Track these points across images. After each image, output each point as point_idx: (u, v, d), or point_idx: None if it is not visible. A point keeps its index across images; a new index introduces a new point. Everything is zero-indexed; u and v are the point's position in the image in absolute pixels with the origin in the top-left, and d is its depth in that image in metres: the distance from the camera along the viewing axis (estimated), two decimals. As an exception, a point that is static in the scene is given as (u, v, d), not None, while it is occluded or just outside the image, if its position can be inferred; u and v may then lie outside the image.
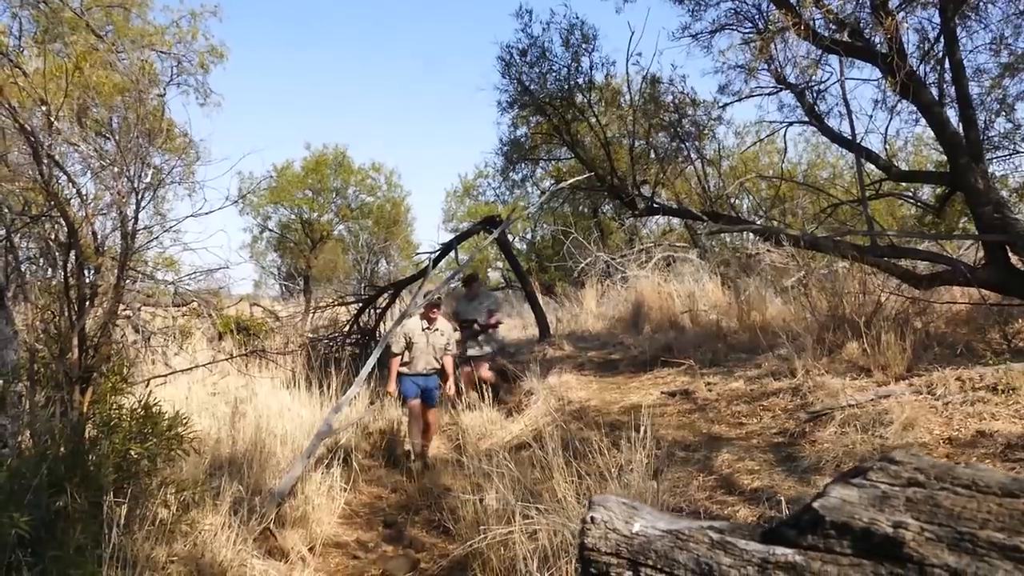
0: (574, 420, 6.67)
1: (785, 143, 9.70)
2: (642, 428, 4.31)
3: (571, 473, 4.49)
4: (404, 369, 7.66)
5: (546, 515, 3.88)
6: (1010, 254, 6.20)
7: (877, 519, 0.36)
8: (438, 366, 7.79)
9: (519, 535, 3.71)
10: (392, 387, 7.76)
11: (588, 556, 0.45)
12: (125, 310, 6.80)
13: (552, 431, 5.56)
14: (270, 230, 21.70)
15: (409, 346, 7.59)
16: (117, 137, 4.12)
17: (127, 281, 3.65)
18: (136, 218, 3.55)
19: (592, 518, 0.49)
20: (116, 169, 3.61)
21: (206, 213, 3.93)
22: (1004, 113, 7.61)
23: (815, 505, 0.40)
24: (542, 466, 4.75)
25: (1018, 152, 7.90)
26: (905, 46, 6.61)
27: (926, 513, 0.36)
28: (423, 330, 7.64)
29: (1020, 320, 6.69)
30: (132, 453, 3.71)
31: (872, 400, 5.28)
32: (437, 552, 5.33)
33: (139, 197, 3.56)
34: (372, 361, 6.09)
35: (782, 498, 3.98)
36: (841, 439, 4.84)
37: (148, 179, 3.68)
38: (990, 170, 7.46)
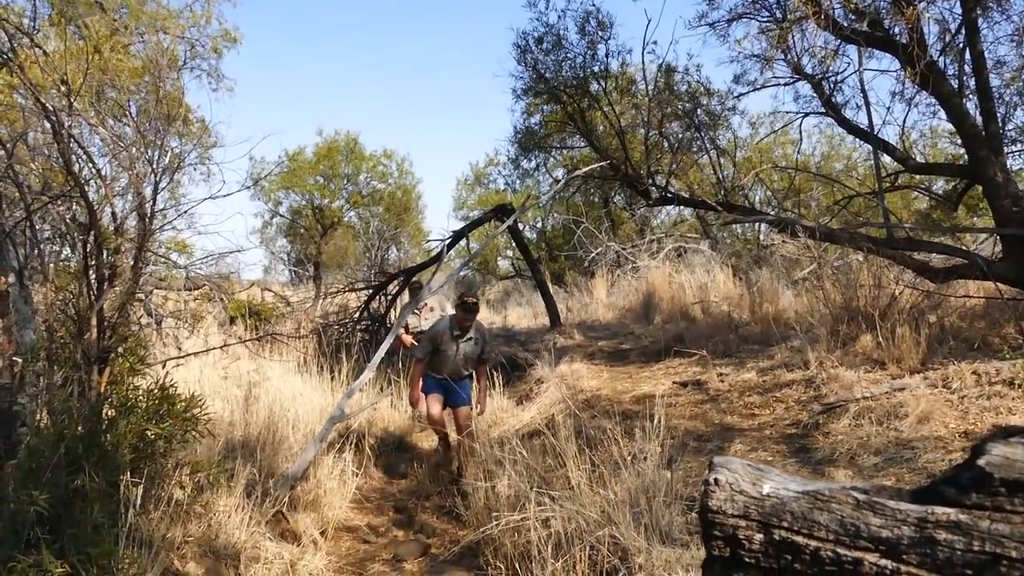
0: (585, 409, 6.67)
1: (801, 134, 9.62)
2: (656, 418, 4.30)
3: (584, 461, 4.50)
4: (427, 369, 6.61)
5: (560, 503, 3.88)
6: (1027, 248, 6.14)
7: None
8: (467, 375, 6.71)
9: (533, 521, 3.72)
10: (417, 398, 6.65)
11: (712, 519, 0.45)
12: (139, 292, 6.83)
13: (564, 419, 5.57)
14: (281, 215, 21.73)
15: (435, 352, 6.50)
16: (136, 120, 4.12)
17: (144, 264, 3.66)
18: (155, 200, 3.55)
19: (715, 480, 0.48)
20: (135, 150, 3.62)
21: (225, 195, 3.94)
22: (1024, 106, 7.52)
23: (980, 463, 0.39)
24: (555, 454, 4.75)
25: (1036, 146, 7.82)
26: (925, 37, 6.55)
27: None
28: (453, 337, 6.44)
29: (1035, 315, 6.64)
30: (149, 434, 3.73)
31: (887, 393, 5.26)
32: (448, 538, 5.35)
33: (157, 179, 3.56)
34: (385, 347, 6.11)
35: (796, 489, 3.97)
36: (855, 431, 4.82)
37: (166, 161, 3.68)
38: (1008, 164, 7.39)
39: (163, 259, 6.68)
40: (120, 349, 3.71)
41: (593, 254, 15.11)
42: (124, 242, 3.56)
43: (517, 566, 3.67)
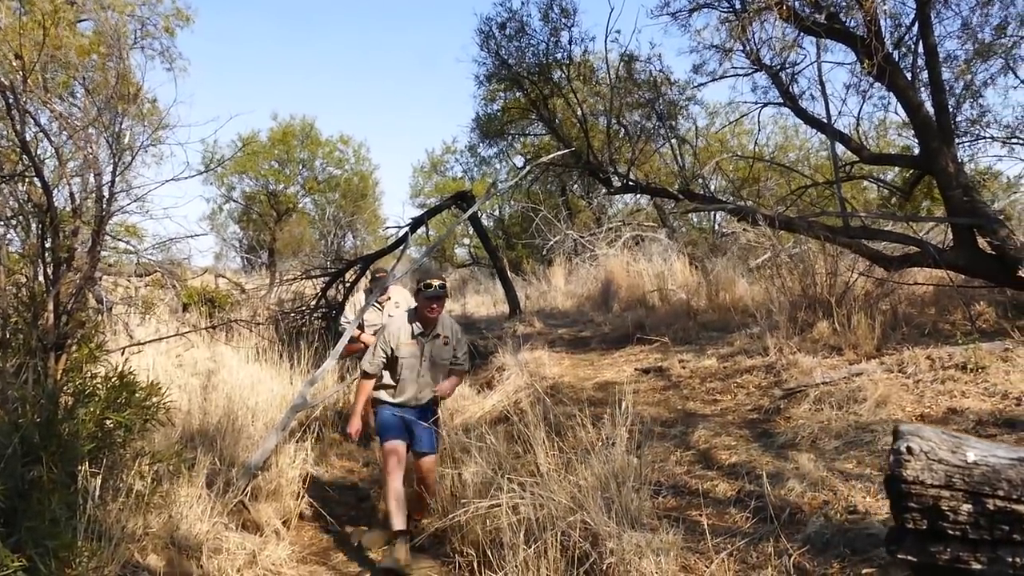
0: (549, 396, 6.69)
1: (758, 124, 9.77)
2: (623, 404, 4.32)
3: (552, 447, 4.50)
4: (384, 395, 5.00)
5: (530, 489, 3.88)
6: (978, 237, 6.33)
7: None
8: (433, 398, 5.05)
9: (505, 508, 3.71)
10: (355, 424, 4.95)
11: (908, 490, 0.43)
12: (92, 279, 6.62)
13: (530, 405, 5.57)
14: (235, 201, 21.30)
15: (392, 362, 4.91)
16: (90, 99, 3.98)
17: (102, 246, 3.54)
18: (114, 181, 3.43)
19: (908, 448, 0.46)
20: (93, 130, 3.49)
21: (186, 177, 3.82)
22: (972, 99, 7.74)
23: None
24: (522, 440, 4.75)
25: (983, 138, 8.05)
26: (886, 30, 6.68)
27: None
28: (416, 336, 4.91)
29: (983, 302, 6.86)
30: (108, 423, 3.62)
31: (845, 378, 5.38)
32: (413, 525, 5.31)
33: (117, 159, 3.43)
34: (346, 338, 5.99)
35: (762, 472, 4.04)
36: (816, 416, 4.92)
37: (125, 141, 3.55)
38: (959, 155, 7.61)
39: (123, 241, 6.46)
40: (77, 335, 3.58)
41: (551, 242, 15.15)
42: (81, 224, 3.43)
43: (488, 552, 3.66)
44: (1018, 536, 0.38)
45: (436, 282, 4.85)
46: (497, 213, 22.26)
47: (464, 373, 5.35)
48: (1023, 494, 0.38)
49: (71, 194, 3.34)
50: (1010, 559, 0.39)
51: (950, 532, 0.42)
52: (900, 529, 0.46)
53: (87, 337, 3.77)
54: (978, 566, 0.39)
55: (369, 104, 71.53)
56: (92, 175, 3.70)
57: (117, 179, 3.80)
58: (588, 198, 18.21)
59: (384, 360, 4.93)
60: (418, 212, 13.27)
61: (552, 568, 3.37)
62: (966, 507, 0.40)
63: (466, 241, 23.88)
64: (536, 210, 15.76)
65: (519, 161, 15.52)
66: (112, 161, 3.68)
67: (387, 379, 4.99)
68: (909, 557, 0.43)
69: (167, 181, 3.87)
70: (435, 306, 4.85)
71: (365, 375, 4.99)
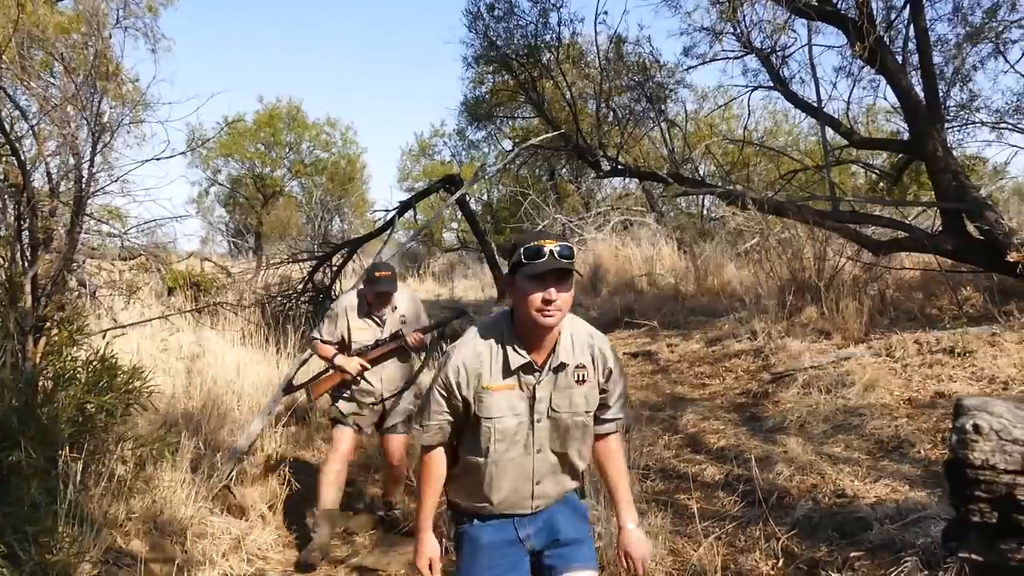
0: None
1: (748, 108, 9.72)
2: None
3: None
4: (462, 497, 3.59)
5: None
6: (967, 222, 6.33)
7: None
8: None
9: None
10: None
11: (976, 476, 0.36)
12: (72, 261, 6.53)
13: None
14: (220, 184, 21.10)
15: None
16: (70, 77, 3.89)
17: (81, 228, 3.47)
18: (92, 160, 3.35)
19: (975, 426, 0.40)
20: (70, 109, 3.40)
21: (168, 157, 3.74)
22: (962, 83, 7.72)
23: None
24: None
25: (972, 123, 8.05)
26: (877, 13, 6.64)
27: None
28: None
29: (970, 287, 6.88)
30: (89, 407, 3.56)
31: (833, 362, 5.38)
32: (400, 510, 5.29)
33: (95, 138, 3.36)
34: (294, 371, 5.90)
35: (750, 456, 4.03)
36: (804, 400, 4.92)
37: (106, 119, 3.47)
38: (948, 139, 7.61)
39: (104, 222, 6.36)
40: (56, 318, 3.51)
41: (540, 226, 15.09)
42: (59, 204, 3.36)
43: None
44: None
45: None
46: (486, 197, 22.17)
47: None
48: None
49: (48, 173, 3.26)
50: None
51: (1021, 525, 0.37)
52: (962, 523, 0.40)
53: (67, 320, 3.70)
54: None
55: (357, 86, 71.00)
56: (71, 154, 3.62)
57: (97, 158, 3.73)
58: (577, 182, 18.15)
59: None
60: (406, 196, 13.20)
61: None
62: None
63: (454, 225, 23.79)
64: (524, 194, 15.70)
65: (507, 144, 15.43)
66: (91, 140, 3.60)
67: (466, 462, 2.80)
68: (974, 556, 0.38)
69: (148, 160, 3.80)
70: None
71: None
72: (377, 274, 4.43)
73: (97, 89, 3.76)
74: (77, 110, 3.62)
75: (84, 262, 9.20)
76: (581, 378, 2.17)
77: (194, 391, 6.07)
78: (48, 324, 3.54)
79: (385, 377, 4.64)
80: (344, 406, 4.65)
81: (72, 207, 3.63)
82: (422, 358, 4.84)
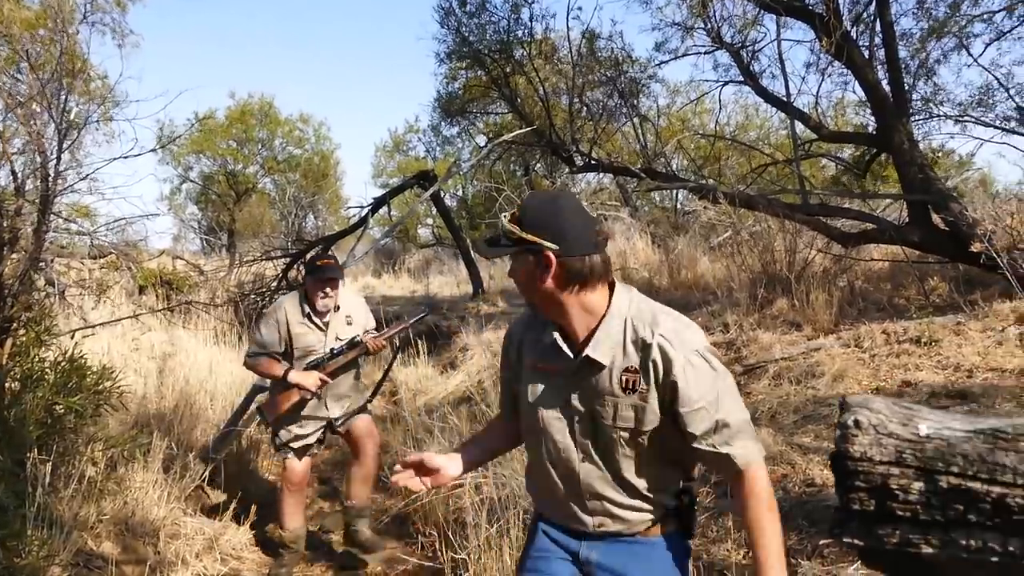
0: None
1: (720, 103, 9.82)
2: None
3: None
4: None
5: (492, 468, 3.88)
6: (932, 213, 6.44)
7: None
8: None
9: (468, 487, 3.70)
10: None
11: (855, 467, 0.40)
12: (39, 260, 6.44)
13: (492, 385, 5.56)
14: (192, 181, 20.86)
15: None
16: (35, 74, 3.84)
17: (48, 227, 3.43)
18: (59, 158, 3.31)
19: (855, 421, 0.43)
20: (36, 106, 3.36)
21: (136, 155, 3.71)
22: (927, 76, 7.85)
23: None
24: (485, 420, 4.74)
25: (937, 116, 8.18)
26: (840, 7, 6.72)
27: None
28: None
29: (936, 277, 7.00)
30: (57, 408, 3.52)
31: (803, 353, 5.45)
32: (375, 507, 5.29)
33: (61, 136, 3.32)
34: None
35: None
36: (775, 391, 4.98)
37: (72, 117, 3.43)
38: (914, 132, 7.73)
39: (71, 221, 6.27)
40: (23, 319, 3.47)
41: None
42: (25, 203, 3.31)
43: (450, 532, 3.65)
44: (973, 516, 0.37)
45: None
46: (460, 193, 22.14)
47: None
48: (979, 470, 0.37)
49: (13, 172, 3.22)
50: (964, 542, 0.37)
51: (900, 513, 0.40)
52: (846, 510, 0.44)
53: (34, 320, 3.66)
54: (929, 549, 0.38)
55: (330, 82, 70.50)
56: (37, 152, 3.57)
57: (65, 156, 3.68)
58: (551, 177, 18.19)
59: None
60: (381, 192, 13.13)
61: (515, 546, 3.37)
62: (917, 485, 0.38)
63: (429, 221, 23.74)
64: (499, 190, 15.70)
65: (482, 140, 15.42)
66: (58, 138, 3.55)
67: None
68: (856, 541, 0.41)
69: (116, 159, 3.76)
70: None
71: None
72: (320, 262, 4.00)
73: (63, 86, 3.71)
74: (43, 107, 3.57)
75: (53, 261, 9.09)
76: (629, 385, 1.65)
77: (166, 391, 6.02)
78: (15, 325, 3.50)
79: (333, 397, 4.13)
80: (285, 435, 4.14)
81: (39, 206, 3.59)
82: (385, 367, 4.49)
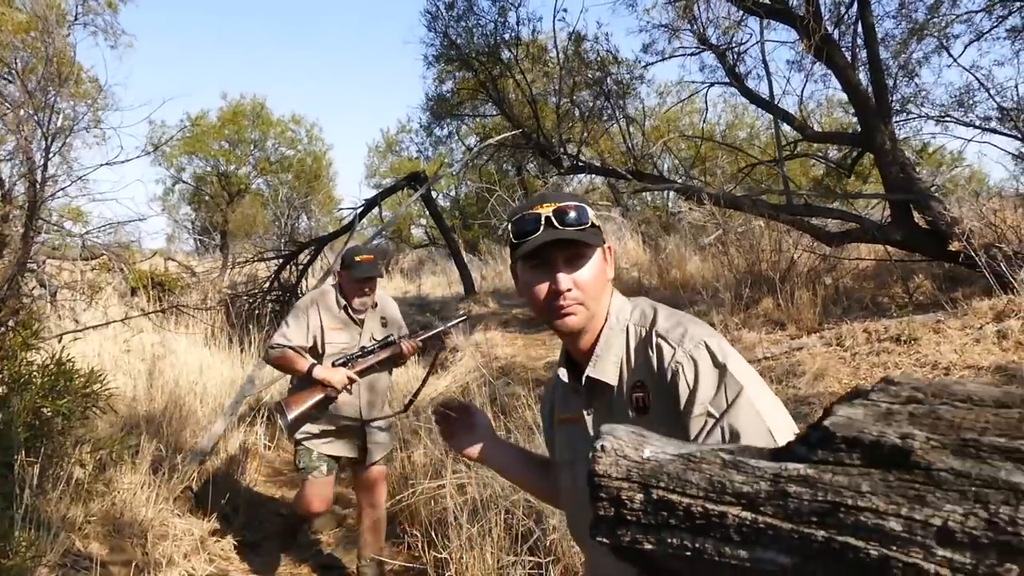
0: (500, 376, 6.75)
1: (706, 104, 9.89)
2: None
3: (499, 427, 4.56)
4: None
5: (475, 469, 3.93)
6: (914, 212, 6.52)
7: (885, 432, 0.42)
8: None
9: (450, 488, 3.76)
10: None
11: (599, 482, 0.48)
12: (30, 262, 6.47)
13: (479, 387, 5.62)
14: (184, 182, 20.88)
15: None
16: (22, 80, 3.89)
17: (35, 232, 3.48)
18: (46, 165, 3.36)
19: (602, 447, 0.52)
20: (23, 112, 3.41)
21: (122, 162, 3.76)
22: (908, 77, 7.93)
23: (825, 423, 0.45)
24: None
25: (918, 116, 8.26)
26: (821, 10, 6.79)
27: (929, 425, 0.43)
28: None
29: (920, 275, 7.08)
30: (45, 411, 3.57)
31: (786, 352, 5.53)
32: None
33: (49, 142, 3.37)
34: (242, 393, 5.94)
35: (701, 446, 4.14)
36: (756, 390, 5.05)
37: (59, 123, 3.48)
38: (897, 132, 7.81)
39: (58, 227, 6.31)
40: (11, 323, 3.52)
41: (506, 222, 15.17)
42: (12, 209, 3.36)
43: (434, 532, 3.71)
44: (673, 521, 0.43)
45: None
46: (453, 193, 22.19)
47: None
48: (676, 485, 0.43)
49: (0, 178, 3.27)
50: (669, 540, 0.44)
51: (629, 518, 0.47)
52: (596, 517, 0.50)
53: (22, 324, 3.71)
54: (649, 546, 0.44)
55: (323, 81, 70.45)
56: (24, 158, 3.63)
57: (50, 163, 3.73)
58: (544, 177, 18.26)
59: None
60: (374, 192, 13.20)
61: (497, 546, 3.43)
62: (639, 496, 0.44)
63: (422, 221, 23.78)
64: (491, 190, 15.77)
65: (470, 141, 15.49)
66: (44, 145, 3.61)
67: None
68: (604, 540, 0.48)
69: (102, 165, 3.81)
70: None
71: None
72: (358, 258, 3.68)
73: (52, 91, 3.76)
74: (29, 115, 3.62)
75: (45, 262, 9.11)
76: (641, 405, 1.36)
77: (156, 393, 6.06)
78: (2, 329, 3.55)
79: (367, 394, 3.78)
80: (313, 445, 3.77)
81: (26, 212, 3.64)
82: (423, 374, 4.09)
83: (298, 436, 3.78)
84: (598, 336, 1.42)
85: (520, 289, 1.46)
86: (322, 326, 3.73)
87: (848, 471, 0.43)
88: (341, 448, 3.87)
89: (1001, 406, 0.44)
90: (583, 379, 1.42)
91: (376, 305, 3.87)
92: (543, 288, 1.38)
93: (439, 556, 3.53)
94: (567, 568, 3.35)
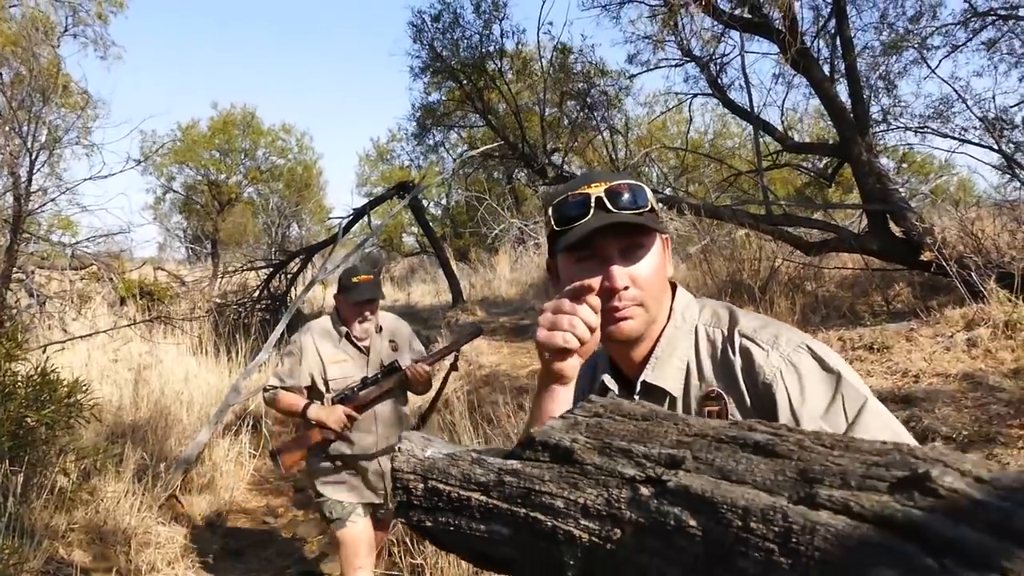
0: (483, 385, 6.82)
1: (691, 114, 10.01)
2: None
3: (479, 436, 4.64)
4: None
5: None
6: (890, 222, 6.63)
7: (563, 437, 0.55)
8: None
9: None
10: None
11: (396, 476, 0.60)
12: (18, 272, 6.53)
13: (462, 396, 5.70)
14: (174, 191, 20.93)
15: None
16: (8, 93, 3.97)
17: (20, 245, 3.55)
18: (30, 180, 3.44)
19: (400, 448, 0.64)
20: (8, 127, 3.49)
21: (104, 177, 3.84)
22: (887, 89, 8.05)
23: (531, 431, 0.59)
24: (450, 431, 4.87)
25: (898, 127, 8.37)
26: (801, 22, 6.92)
27: (592, 432, 0.55)
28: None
29: (900, 284, 7.19)
30: (28, 421, 3.64)
31: (762, 360, 5.61)
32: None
33: (33, 157, 3.44)
34: (281, 326, 6.05)
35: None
36: (731, 397, 5.14)
37: (43, 138, 3.56)
38: (882, 142, 7.95)
39: (42, 240, 6.38)
40: (-6, 335, 3.59)
41: (496, 231, 15.27)
42: (-5, 224, 3.44)
43: (408, 540, 3.78)
44: (441, 504, 0.53)
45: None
46: (444, 202, 22.29)
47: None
48: (441, 477, 0.54)
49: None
50: (440, 519, 0.55)
51: (415, 503, 0.56)
52: (398, 503, 0.61)
53: (6, 335, 3.77)
54: (428, 524, 0.55)
55: (314, 90, 70.60)
56: (9, 173, 3.70)
57: (38, 174, 3.81)
58: (534, 186, 18.38)
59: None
60: (364, 201, 13.28)
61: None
62: (420, 486, 0.54)
63: (414, 230, 23.87)
64: (481, 199, 15.86)
65: (461, 150, 15.61)
66: (29, 159, 3.69)
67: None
68: (402, 520, 0.59)
69: (85, 180, 3.89)
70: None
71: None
72: (355, 279, 3.31)
73: (38, 105, 3.84)
74: (15, 131, 3.70)
75: (34, 272, 9.17)
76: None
77: (141, 402, 6.13)
78: (-14, 341, 3.62)
79: (381, 428, 3.41)
80: (340, 495, 3.39)
81: (11, 225, 3.71)
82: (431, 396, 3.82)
83: (319, 486, 3.41)
84: (656, 340, 1.20)
85: (560, 287, 1.19)
86: (322, 360, 3.33)
87: (540, 465, 0.55)
88: (367, 494, 3.44)
89: (643, 419, 0.56)
90: (637, 385, 1.19)
91: (381, 329, 3.46)
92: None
93: (415, 562, 3.61)
94: None
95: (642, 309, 1.15)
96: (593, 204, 1.13)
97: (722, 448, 0.49)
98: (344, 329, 3.35)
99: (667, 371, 1.18)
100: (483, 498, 0.58)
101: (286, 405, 3.34)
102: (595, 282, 1.10)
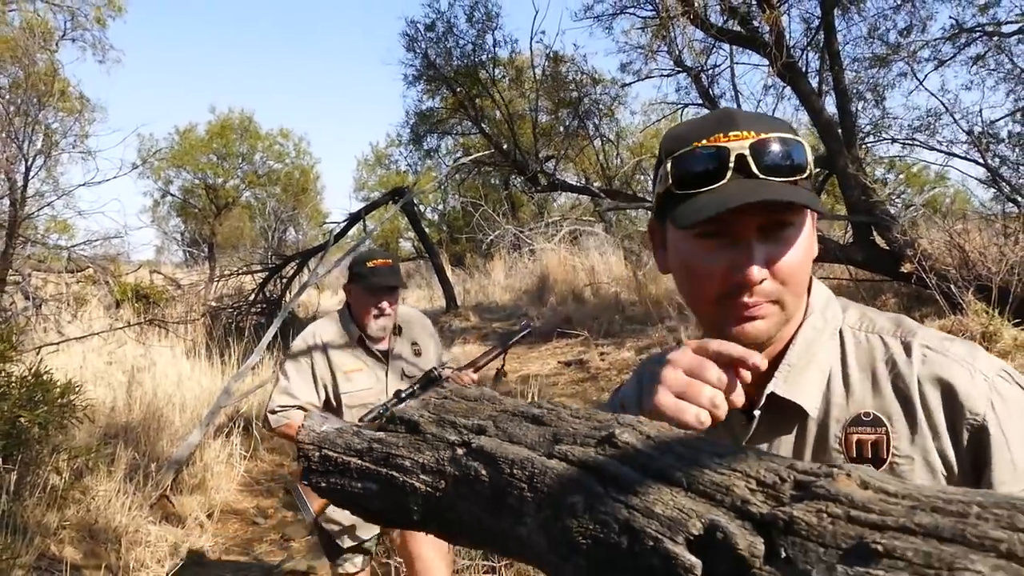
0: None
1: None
2: (529, 395, 4.57)
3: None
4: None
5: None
6: (875, 234, 6.74)
7: (414, 413, 0.69)
8: None
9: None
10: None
11: (299, 447, 0.73)
12: (14, 275, 6.62)
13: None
14: (172, 195, 21.03)
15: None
16: (6, 98, 4.08)
17: (16, 248, 3.64)
18: (26, 185, 3.53)
19: (303, 424, 0.78)
20: (3, 133, 3.59)
21: (99, 183, 3.93)
22: (875, 102, 8.18)
23: (393, 409, 0.73)
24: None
25: (885, 139, 8.49)
26: (789, 36, 7.05)
27: (435, 410, 0.69)
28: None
29: (886, 295, 7.28)
30: (22, 420, 3.72)
31: (745, 368, 5.71)
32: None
33: (29, 163, 3.54)
34: (273, 329, 6.12)
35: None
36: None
37: (39, 144, 3.66)
38: (872, 154, 8.06)
39: (39, 243, 6.48)
40: (-10, 336, 3.68)
41: (491, 236, 15.37)
42: (-8, 229, 3.53)
43: (389, 541, 3.85)
44: (331, 468, 0.65)
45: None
46: (440, 207, 22.39)
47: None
48: (331, 447, 0.65)
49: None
50: (331, 480, 0.67)
51: (313, 468, 0.68)
52: (302, 469, 0.73)
53: (1, 337, 3.86)
54: (324, 486, 0.68)
55: (313, 94, 70.74)
56: (5, 178, 3.80)
57: (35, 179, 3.90)
58: (529, 193, 18.49)
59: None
60: (362, 206, 13.38)
61: (457, 550, 3.57)
62: (316, 454, 0.65)
63: (410, 235, 23.98)
64: (477, 205, 15.96)
65: (458, 156, 15.73)
66: (25, 165, 3.78)
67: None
68: (306, 483, 0.71)
69: (80, 186, 3.98)
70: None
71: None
72: (371, 263, 2.72)
73: (35, 110, 3.93)
74: (11, 137, 3.79)
75: (30, 275, 9.25)
76: (868, 452, 0.87)
77: (134, 403, 6.20)
78: (-19, 342, 3.70)
79: None
80: (344, 539, 2.88)
81: (6, 230, 3.80)
82: None
83: (325, 524, 2.86)
84: (788, 343, 0.93)
85: (669, 264, 0.97)
86: (332, 370, 2.76)
87: (397, 435, 0.71)
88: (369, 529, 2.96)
89: (473, 400, 0.71)
90: (762, 398, 0.91)
91: (400, 330, 2.89)
92: (718, 272, 0.86)
93: (396, 563, 3.68)
94: (519, 571, 3.51)
95: (778, 307, 0.88)
96: (733, 163, 0.83)
97: (513, 420, 0.65)
98: (357, 332, 2.78)
99: (803, 384, 0.90)
100: (359, 462, 0.71)
101: (296, 430, 2.45)
102: (719, 270, 0.86)
